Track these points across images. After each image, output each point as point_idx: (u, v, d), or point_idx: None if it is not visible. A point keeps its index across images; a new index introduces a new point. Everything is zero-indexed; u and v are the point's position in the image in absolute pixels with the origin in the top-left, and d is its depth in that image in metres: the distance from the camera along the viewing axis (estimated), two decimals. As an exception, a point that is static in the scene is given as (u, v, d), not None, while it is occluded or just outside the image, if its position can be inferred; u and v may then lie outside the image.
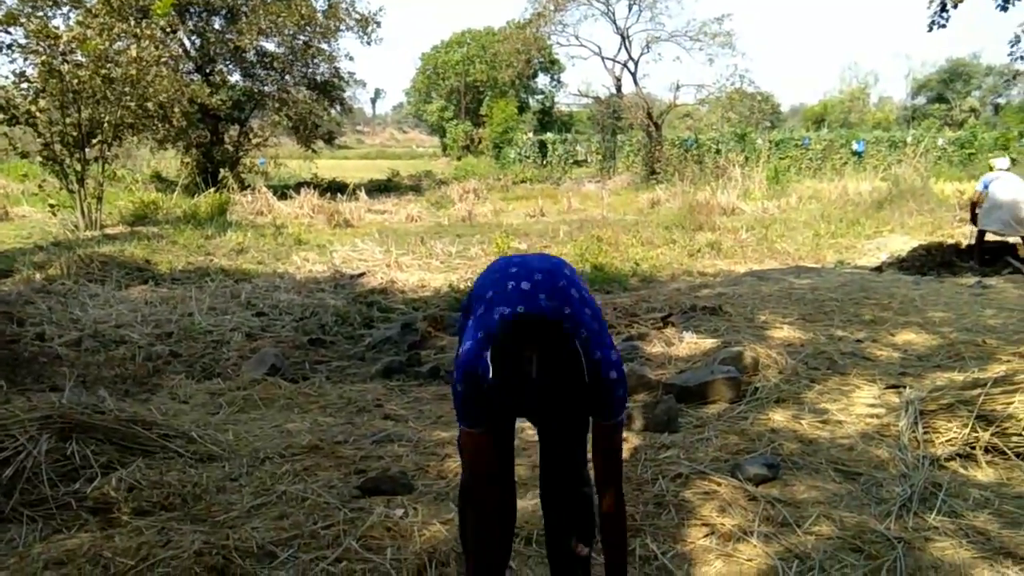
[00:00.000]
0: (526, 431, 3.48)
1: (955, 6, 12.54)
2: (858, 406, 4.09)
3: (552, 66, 40.80)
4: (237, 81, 22.03)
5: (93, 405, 3.47)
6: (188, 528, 2.74)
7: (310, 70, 22.57)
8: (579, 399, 2.01)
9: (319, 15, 21.54)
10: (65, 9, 16.90)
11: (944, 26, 12.82)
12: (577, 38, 29.93)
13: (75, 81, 12.11)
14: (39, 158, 12.65)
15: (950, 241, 10.48)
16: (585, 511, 2.25)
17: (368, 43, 23.22)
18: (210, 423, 4.03)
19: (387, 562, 2.55)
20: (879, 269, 9.40)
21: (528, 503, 2.90)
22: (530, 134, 33.14)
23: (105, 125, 12.86)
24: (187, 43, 20.49)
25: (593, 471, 2.09)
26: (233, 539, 2.62)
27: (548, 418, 2.20)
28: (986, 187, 9.21)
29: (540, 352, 1.88)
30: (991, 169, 9.47)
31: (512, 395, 1.98)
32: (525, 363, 1.88)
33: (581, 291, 2.09)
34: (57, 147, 12.41)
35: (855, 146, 26.49)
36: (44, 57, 11.96)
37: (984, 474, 3.17)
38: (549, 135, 33.49)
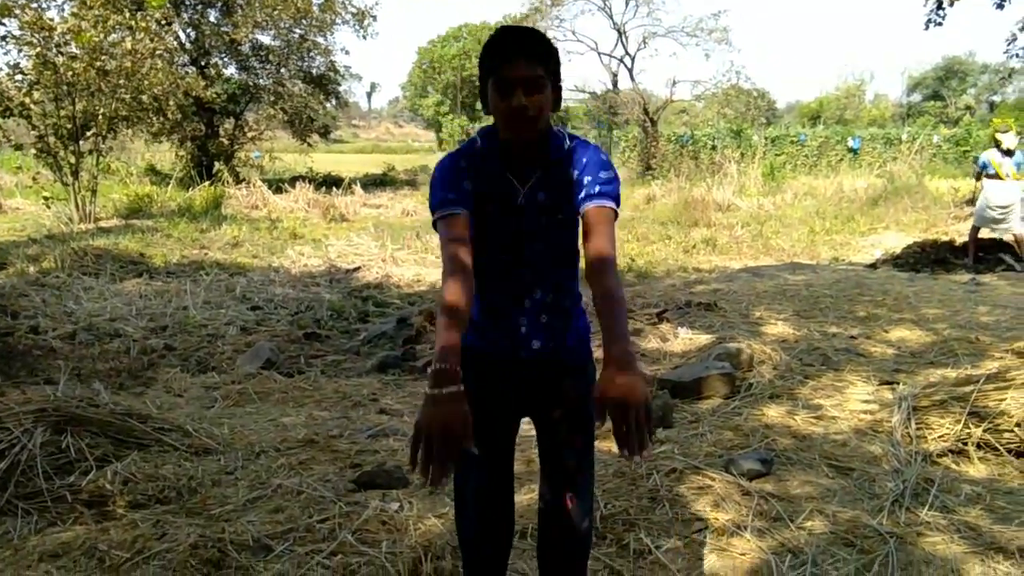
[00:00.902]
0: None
1: (951, 4, 12.58)
2: (852, 402, 4.11)
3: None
4: (232, 74, 21.95)
5: (88, 398, 3.46)
6: (183, 521, 2.74)
7: (306, 63, 22.49)
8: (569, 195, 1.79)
9: (315, 8, 21.46)
10: (59, 1, 16.81)
11: (940, 24, 12.89)
12: (574, 33, 29.81)
13: (69, 73, 12.05)
14: (33, 150, 12.62)
15: (944, 238, 10.52)
16: (582, 551, 2.02)
17: (364, 37, 23.28)
18: (205, 417, 4.03)
19: (382, 556, 2.56)
20: (874, 266, 9.43)
21: (523, 497, 2.90)
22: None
23: (100, 118, 12.82)
24: (182, 36, 20.40)
25: (586, 259, 1.75)
26: (228, 532, 2.63)
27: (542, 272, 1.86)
28: (985, 167, 9.04)
29: (527, 87, 1.65)
30: (998, 144, 8.93)
31: (498, 188, 1.79)
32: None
33: None
34: (51, 139, 12.38)
35: (851, 143, 26.48)
36: (38, 49, 11.92)
37: (976, 470, 3.19)
38: (545, 130, 33.33)
